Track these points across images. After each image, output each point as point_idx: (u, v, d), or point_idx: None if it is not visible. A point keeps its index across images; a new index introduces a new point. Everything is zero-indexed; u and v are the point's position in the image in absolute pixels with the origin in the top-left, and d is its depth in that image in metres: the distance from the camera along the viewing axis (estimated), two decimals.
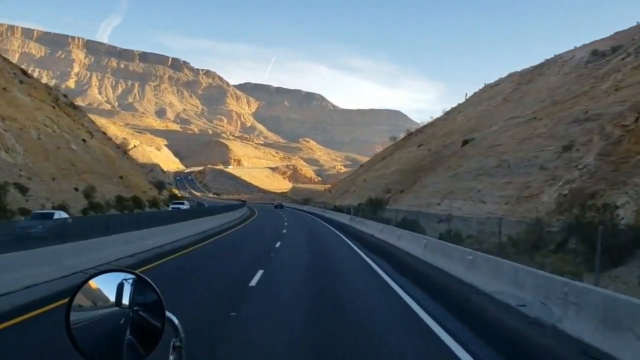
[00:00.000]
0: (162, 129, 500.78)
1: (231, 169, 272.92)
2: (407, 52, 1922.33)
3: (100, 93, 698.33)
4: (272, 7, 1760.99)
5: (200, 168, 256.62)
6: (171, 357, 1.86)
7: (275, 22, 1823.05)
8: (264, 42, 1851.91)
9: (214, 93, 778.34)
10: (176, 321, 1.86)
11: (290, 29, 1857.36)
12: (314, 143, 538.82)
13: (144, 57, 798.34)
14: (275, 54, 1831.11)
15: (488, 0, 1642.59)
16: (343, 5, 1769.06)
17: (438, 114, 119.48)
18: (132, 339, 1.72)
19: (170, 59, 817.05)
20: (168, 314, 1.79)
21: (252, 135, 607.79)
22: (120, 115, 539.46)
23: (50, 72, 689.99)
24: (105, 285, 1.77)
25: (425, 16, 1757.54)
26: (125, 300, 1.76)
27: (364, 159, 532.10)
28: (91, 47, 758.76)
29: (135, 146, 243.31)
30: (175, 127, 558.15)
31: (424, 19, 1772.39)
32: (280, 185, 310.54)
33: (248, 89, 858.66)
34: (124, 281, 1.78)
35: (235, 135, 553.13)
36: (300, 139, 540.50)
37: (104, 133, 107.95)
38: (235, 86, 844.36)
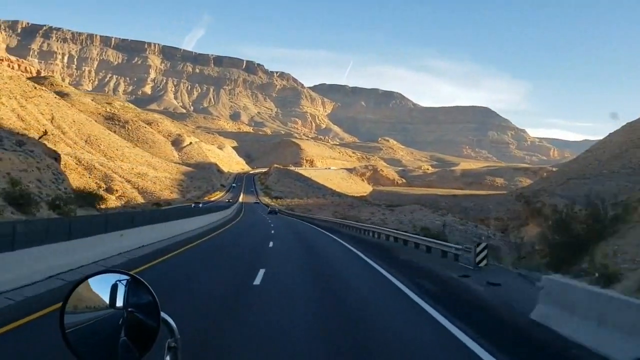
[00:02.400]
0: (233, 131, 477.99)
1: (300, 170, 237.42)
2: (488, 51, 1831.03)
3: (176, 98, 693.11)
4: (349, 13, 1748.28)
5: (265, 169, 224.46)
6: (167, 358, 1.85)
7: (352, 27, 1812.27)
8: (340, 48, 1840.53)
9: (288, 95, 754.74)
10: (171, 322, 1.85)
11: (367, 34, 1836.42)
12: (394, 142, 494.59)
13: (219, 61, 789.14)
14: (353, 59, 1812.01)
15: None
16: (418, 7, 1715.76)
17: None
18: (127, 340, 1.70)
19: (244, 62, 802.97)
20: (163, 314, 1.78)
21: (327, 137, 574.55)
22: (193, 119, 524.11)
23: (128, 78, 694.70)
24: (99, 286, 1.75)
25: (507, 14, 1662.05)
26: (120, 302, 1.73)
27: (452, 159, 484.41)
28: (167, 52, 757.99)
29: (190, 143, 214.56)
30: (248, 129, 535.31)
31: (506, 17, 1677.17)
32: (358, 188, 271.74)
33: (323, 90, 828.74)
34: (118, 282, 1.76)
35: (310, 136, 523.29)
36: (379, 139, 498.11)
37: None
38: (309, 88, 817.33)
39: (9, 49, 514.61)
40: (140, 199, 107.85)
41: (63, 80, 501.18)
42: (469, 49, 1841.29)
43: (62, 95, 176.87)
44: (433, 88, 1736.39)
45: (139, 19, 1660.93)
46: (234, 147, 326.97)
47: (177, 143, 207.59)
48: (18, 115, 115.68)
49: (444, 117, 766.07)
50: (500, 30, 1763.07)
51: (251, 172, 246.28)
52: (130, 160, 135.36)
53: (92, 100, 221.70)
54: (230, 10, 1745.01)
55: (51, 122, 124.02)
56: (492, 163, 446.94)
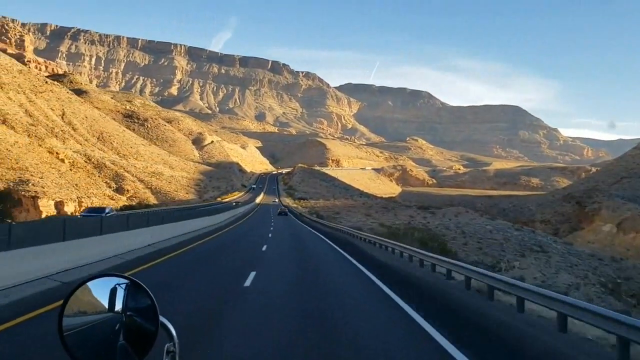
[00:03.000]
0: (258, 131, 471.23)
1: (326, 170, 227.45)
2: (516, 50, 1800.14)
3: (201, 99, 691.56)
4: (375, 14, 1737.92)
5: (290, 169, 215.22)
6: None
7: (378, 28, 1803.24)
8: (367, 49, 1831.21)
9: (314, 95, 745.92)
10: (170, 326, 1.83)
11: (393, 34, 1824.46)
12: (423, 142, 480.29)
13: (244, 61, 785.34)
14: (379, 59, 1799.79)
15: None
16: (445, 7, 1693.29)
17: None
18: (126, 344, 1.69)
19: (269, 62, 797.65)
20: (162, 318, 1.76)
21: (353, 137, 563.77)
22: (218, 119, 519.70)
23: (154, 79, 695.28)
24: (99, 290, 1.74)
25: (535, 14, 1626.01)
26: (119, 305, 1.72)
27: (484, 159, 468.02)
28: (193, 53, 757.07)
29: (212, 142, 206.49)
30: (273, 130, 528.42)
31: (534, 17, 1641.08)
32: (387, 188, 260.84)
33: (349, 89, 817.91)
34: (117, 286, 1.75)
35: (335, 137, 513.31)
36: (408, 138, 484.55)
37: None
38: (335, 88, 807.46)
39: (38, 52, 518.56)
40: (152, 200, 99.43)
41: (90, 82, 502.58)
42: (497, 48, 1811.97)
43: (80, 92, 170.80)
44: (461, 88, 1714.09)
45: (166, 23, 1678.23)
46: (258, 147, 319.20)
47: (198, 141, 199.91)
48: (26, 110, 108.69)
49: (473, 116, 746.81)
50: (529, 29, 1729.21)
51: (275, 172, 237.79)
52: (145, 159, 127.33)
53: (112, 98, 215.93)
54: (257, 12, 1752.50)
55: (62, 118, 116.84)
56: (524, 163, 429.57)
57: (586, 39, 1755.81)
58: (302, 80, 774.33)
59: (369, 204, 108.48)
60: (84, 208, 60.98)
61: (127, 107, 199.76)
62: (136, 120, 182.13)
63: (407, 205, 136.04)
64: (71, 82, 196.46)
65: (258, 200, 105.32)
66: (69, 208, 78.45)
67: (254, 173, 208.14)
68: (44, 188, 79.37)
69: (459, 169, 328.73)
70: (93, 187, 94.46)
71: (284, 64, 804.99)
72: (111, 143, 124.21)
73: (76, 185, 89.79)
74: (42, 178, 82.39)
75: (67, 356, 1.64)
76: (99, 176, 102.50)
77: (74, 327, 1.66)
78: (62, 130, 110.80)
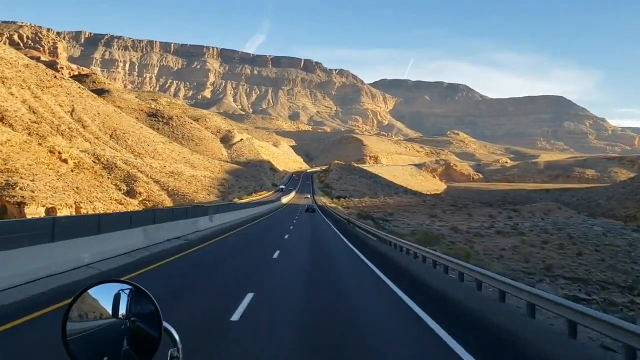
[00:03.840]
0: (292, 130, 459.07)
1: (365, 167, 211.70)
2: (554, 41, 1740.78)
3: (235, 101, 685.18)
4: (407, 10, 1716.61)
5: (325, 167, 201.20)
6: None
7: (412, 25, 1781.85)
8: (400, 45, 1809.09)
9: (348, 92, 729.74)
10: (174, 331, 1.82)
11: (427, 30, 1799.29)
12: (464, 135, 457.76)
13: (277, 61, 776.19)
14: (413, 56, 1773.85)
15: None
16: (478, 1, 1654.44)
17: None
18: (130, 349, 1.68)
19: (302, 61, 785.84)
20: (165, 324, 1.76)
21: (390, 134, 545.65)
22: (251, 120, 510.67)
23: (187, 83, 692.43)
24: (102, 296, 1.74)
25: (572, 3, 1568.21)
26: (122, 311, 1.72)
27: (530, 152, 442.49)
28: (225, 55, 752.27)
29: (241, 140, 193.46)
30: (307, 129, 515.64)
31: (571, 5, 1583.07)
32: (429, 185, 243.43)
33: (384, 85, 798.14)
34: (120, 292, 1.75)
35: (372, 133, 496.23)
36: (448, 132, 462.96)
37: None
38: (370, 84, 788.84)
39: (73, 59, 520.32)
40: (168, 202, 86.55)
41: (125, 87, 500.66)
42: (534, 39, 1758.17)
43: (101, 92, 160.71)
44: (498, 81, 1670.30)
45: (199, 27, 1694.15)
46: (292, 147, 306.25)
47: (226, 140, 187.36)
48: (29, 107, 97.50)
49: (514, 108, 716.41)
50: (567, 19, 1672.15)
51: (309, 170, 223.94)
52: (163, 157, 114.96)
53: (137, 97, 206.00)
54: (289, 15, 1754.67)
55: (70, 114, 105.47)
56: (571, 155, 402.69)
57: (627, 26, 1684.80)
58: (335, 78, 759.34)
59: (431, 201, 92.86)
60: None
61: (152, 106, 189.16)
62: (161, 119, 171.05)
63: (484, 203, 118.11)
64: (94, 82, 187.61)
65: (286, 199, 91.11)
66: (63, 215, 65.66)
67: (286, 172, 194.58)
68: (33, 192, 66.92)
69: (506, 162, 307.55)
70: (98, 190, 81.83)
71: (316, 62, 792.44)
72: (125, 141, 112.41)
73: (77, 188, 77.24)
74: (33, 181, 70.04)
75: None
76: (108, 177, 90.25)
77: (78, 332, 1.67)
78: (69, 128, 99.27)
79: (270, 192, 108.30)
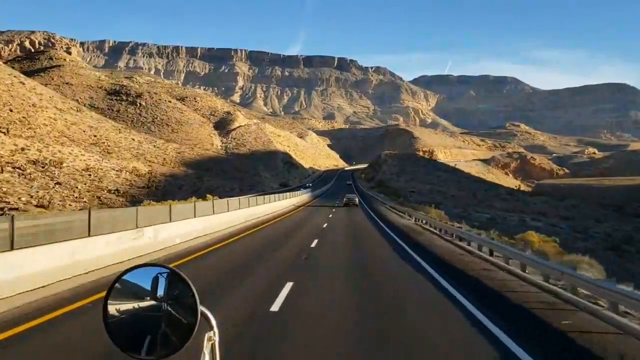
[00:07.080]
0: (326, 129, 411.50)
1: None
2: (598, 36, 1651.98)
3: (265, 104, 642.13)
4: (443, 12, 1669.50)
5: (364, 165, 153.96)
6: (205, 351, 1.86)
7: (450, 26, 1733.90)
8: (440, 47, 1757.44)
9: (386, 90, 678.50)
10: (210, 315, 1.86)
11: (467, 30, 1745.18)
12: (527, 127, 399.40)
13: (309, 61, 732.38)
14: (451, 58, 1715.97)
15: None
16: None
17: None
18: (167, 331, 1.73)
19: (335, 59, 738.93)
20: (202, 308, 1.79)
21: (436, 131, 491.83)
22: (285, 120, 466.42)
23: (215, 88, 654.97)
24: (141, 279, 1.78)
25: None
26: (160, 294, 1.76)
27: (604, 142, 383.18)
28: (254, 57, 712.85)
29: (246, 125, 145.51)
30: (343, 126, 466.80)
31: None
32: (501, 182, 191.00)
33: (424, 82, 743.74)
34: (158, 275, 1.79)
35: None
36: (508, 124, 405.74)
37: None
38: (409, 81, 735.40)
39: (97, 69, 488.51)
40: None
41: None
42: (578, 35, 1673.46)
43: (48, 69, 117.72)
44: (543, 78, 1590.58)
45: (227, 32, 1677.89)
46: (327, 145, 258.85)
47: (222, 124, 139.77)
48: None
49: (570, 99, 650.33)
50: (609, 14, 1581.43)
51: (347, 168, 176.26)
52: (42, 133, 68.07)
53: (107, 76, 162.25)
54: (325, 21, 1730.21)
55: None
56: None
57: None
58: (372, 76, 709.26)
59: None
60: None
61: (123, 83, 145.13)
62: (125, 98, 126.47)
63: (608, 205, 69.25)
64: (50, 58, 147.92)
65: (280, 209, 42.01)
66: None
67: (314, 170, 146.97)
68: None
69: (593, 152, 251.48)
70: None
71: (351, 60, 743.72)
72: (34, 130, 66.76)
73: None
74: None
75: (112, 343, 1.69)
76: None
77: (118, 314, 1.72)
78: None
79: (277, 201, 54.39)
